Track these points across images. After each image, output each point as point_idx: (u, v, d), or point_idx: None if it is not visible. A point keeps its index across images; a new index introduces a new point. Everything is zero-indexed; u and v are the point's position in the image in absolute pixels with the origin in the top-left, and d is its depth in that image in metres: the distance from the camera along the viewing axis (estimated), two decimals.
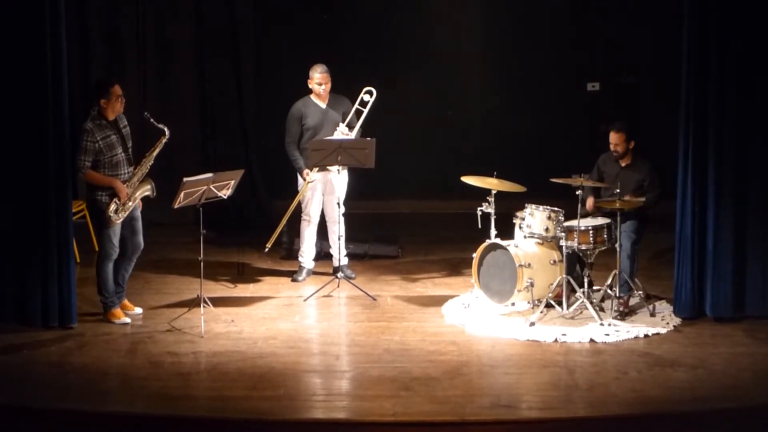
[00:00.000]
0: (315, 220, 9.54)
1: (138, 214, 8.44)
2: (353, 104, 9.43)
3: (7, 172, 8.17)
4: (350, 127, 9.39)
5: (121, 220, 8.25)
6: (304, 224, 9.56)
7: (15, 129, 8.12)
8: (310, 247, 9.62)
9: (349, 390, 7.26)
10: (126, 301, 8.63)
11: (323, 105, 9.40)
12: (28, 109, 8.08)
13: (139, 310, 8.64)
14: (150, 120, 8.35)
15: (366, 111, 9.41)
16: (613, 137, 8.73)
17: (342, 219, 9.28)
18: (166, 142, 8.40)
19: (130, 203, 8.28)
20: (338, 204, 9.27)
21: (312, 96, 9.42)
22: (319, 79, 9.32)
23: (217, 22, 11.63)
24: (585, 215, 8.66)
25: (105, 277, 8.37)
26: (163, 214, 10.00)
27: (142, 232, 8.50)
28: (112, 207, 8.19)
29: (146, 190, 8.38)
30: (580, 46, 12.17)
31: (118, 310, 8.43)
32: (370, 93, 9.43)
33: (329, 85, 9.37)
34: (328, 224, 9.61)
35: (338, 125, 9.35)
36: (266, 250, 9.58)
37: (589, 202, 8.75)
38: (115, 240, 8.31)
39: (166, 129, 8.36)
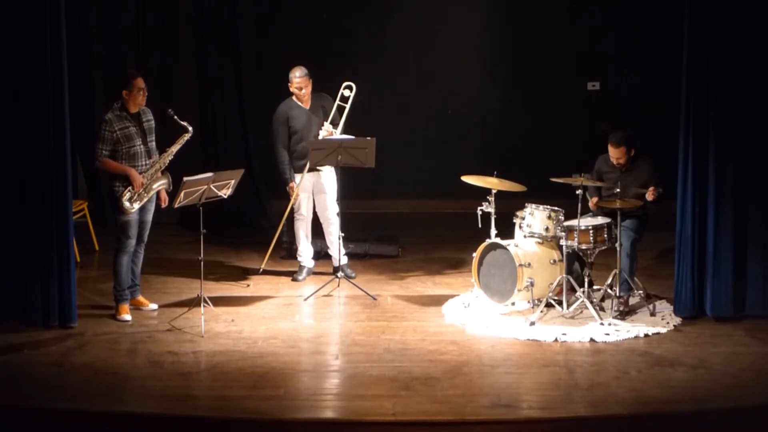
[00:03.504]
0: (307, 217, 9.54)
1: (151, 207, 8.48)
2: (333, 101, 9.43)
3: (7, 172, 8.17)
4: (334, 124, 9.38)
5: (135, 209, 8.28)
6: (297, 223, 9.58)
7: (15, 129, 8.12)
8: (307, 245, 9.62)
9: (349, 389, 7.25)
10: (141, 297, 8.67)
11: (306, 107, 9.39)
12: (29, 110, 8.08)
13: (153, 306, 8.67)
14: (174, 117, 8.43)
15: (348, 106, 9.40)
16: (614, 152, 8.63)
17: (337, 219, 9.29)
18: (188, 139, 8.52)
19: (145, 194, 8.31)
20: (336, 202, 9.29)
21: (294, 98, 9.40)
22: (298, 83, 9.29)
23: (217, 22, 11.64)
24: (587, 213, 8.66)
25: (118, 270, 8.42)
26: (162, 213, 10.00)
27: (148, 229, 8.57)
28: (126, 195, 8.23)
29: (163, 183, 8.43)
30: (580, 45, 12.18)
31: (124, 306, 8.47)
32: (349, 88, 9.42)
33: (309, 88, 9.34)
34: (323, 224, 9.61)
35: (323, 124, 9.34)
36: (260, 270, 9.65)
37: (592, 202, 8.75)
38: (131, 232, 8.34)
39: (189, 126, 8.44)
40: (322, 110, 9.40)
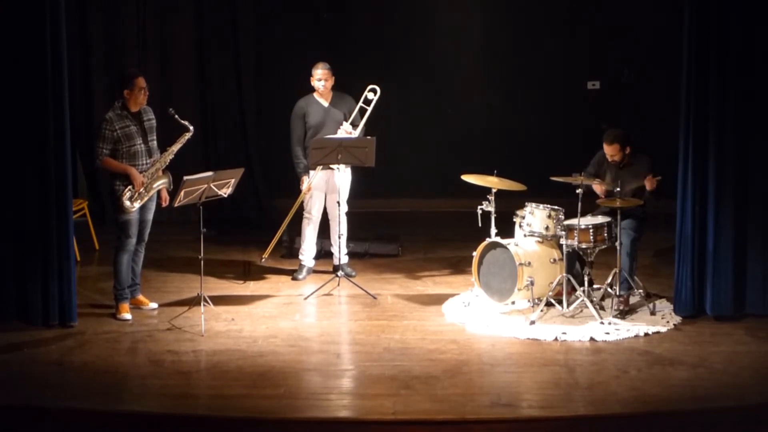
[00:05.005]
0: (316, 218, 9.55)
1: (152, 206, 8.48)
2: (357, 103, 9.45)
3: (7, 171, 8.17)
4: (354, 125, 9.40)
5: (136, 209, 8.29)
6: (305, 222, 9.57)
7: (15, 129, 8.12)
8: (311, 245, 9.62)
9: (349, 388, 7.26)
10: (141, 296, 8.68)
11: (326, 103, 9.41)
12: (29, 110, 8.08)
13: (154, 305, 8.68)
14: (174, 116, 8.43)
15: (370, 109, 9.42)
16: (608, 149, 8.64)
17: (344, 218, 9.29)
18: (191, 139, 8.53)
19: (146, 193, 8.32)
20: (337, 203, 9.28)
21: (314, 94, 9.43)
22: (320, 75, 9.33)
23: (217, 22, 11.65)
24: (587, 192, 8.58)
25: (118, 269, 8.42)
26: (163, 212, 10.02)
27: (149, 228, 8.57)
28: (127, 194, 8.24)
29: (163, 182, 8.43)
30: (580, 45, 12.19)
31: (124, 305, 8.47)
32: (374, 91, 9.43)
33: (330, 82, 9.38)
34: (330, 222, 9.61)
35: (342, 124, 9.36)
36: (263, 260, 9.65)
37: (598, 187, 8.67)
38: (132, 231, 8.34)
39: (190, 126, 8.45)
40: (344, 110, 9.41)
